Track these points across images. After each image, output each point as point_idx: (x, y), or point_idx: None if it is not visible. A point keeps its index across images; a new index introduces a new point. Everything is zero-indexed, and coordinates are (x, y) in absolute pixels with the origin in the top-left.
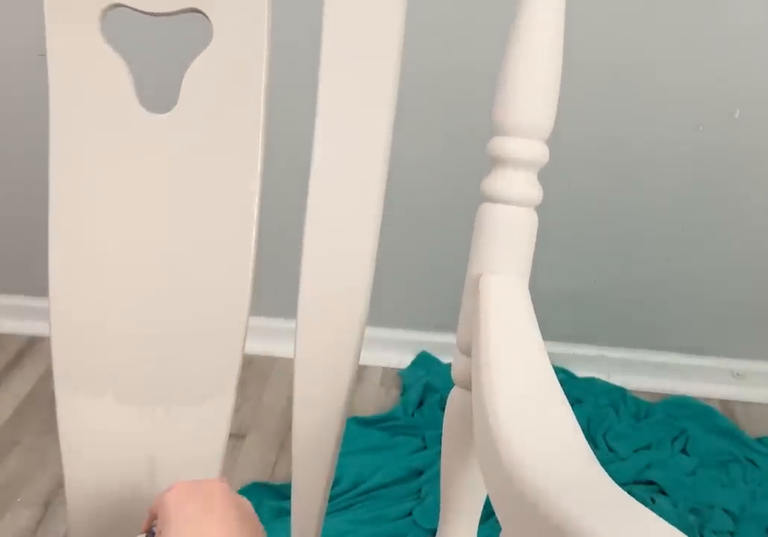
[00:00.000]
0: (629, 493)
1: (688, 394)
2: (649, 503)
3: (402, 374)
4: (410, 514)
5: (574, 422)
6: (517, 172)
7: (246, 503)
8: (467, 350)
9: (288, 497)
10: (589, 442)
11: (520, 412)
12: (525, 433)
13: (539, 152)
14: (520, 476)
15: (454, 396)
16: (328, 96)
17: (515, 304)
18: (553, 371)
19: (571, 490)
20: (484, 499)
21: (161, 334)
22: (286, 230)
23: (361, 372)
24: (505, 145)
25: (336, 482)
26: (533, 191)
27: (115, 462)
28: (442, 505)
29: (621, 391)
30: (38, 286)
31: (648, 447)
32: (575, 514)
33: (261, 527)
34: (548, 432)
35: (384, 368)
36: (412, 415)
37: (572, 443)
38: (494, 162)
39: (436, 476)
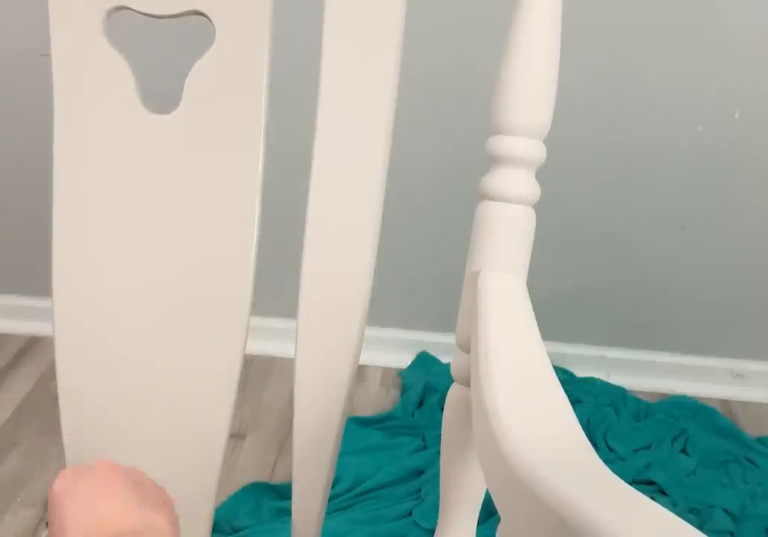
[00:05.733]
0: None
1: (688, 394)
2: None
3: (402, 374)
4: (410, 514)
5: (572, 415)
6: (516, 171)
7: (141, 473)
8: (466, 347)
9: (288, 497)
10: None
11: (519, 405)
12: (523, 424)
13: (537, 151)
14: (519, 465)
15: (454, 393)
16: (328, 96)
17: (514, 302)
18: (551, 366)
19: (568, 477)
20: (482, 498)
21: (162, 333)
22: (287, 230)
23: (361, 372)
24: (503, 144)
25: (336, 482)
26: (531, 190)
27: (117, 462)
28: (441, 505)
29: (621, 391)
30: (39, 286)
31: (648, 447)
32: (573, 500)
33: (164, 492)
34: (546, 423)
35: (384, 368)
36: (412, 415)
37: (570, 434)
38: (492, 161)
39: (436, 476)
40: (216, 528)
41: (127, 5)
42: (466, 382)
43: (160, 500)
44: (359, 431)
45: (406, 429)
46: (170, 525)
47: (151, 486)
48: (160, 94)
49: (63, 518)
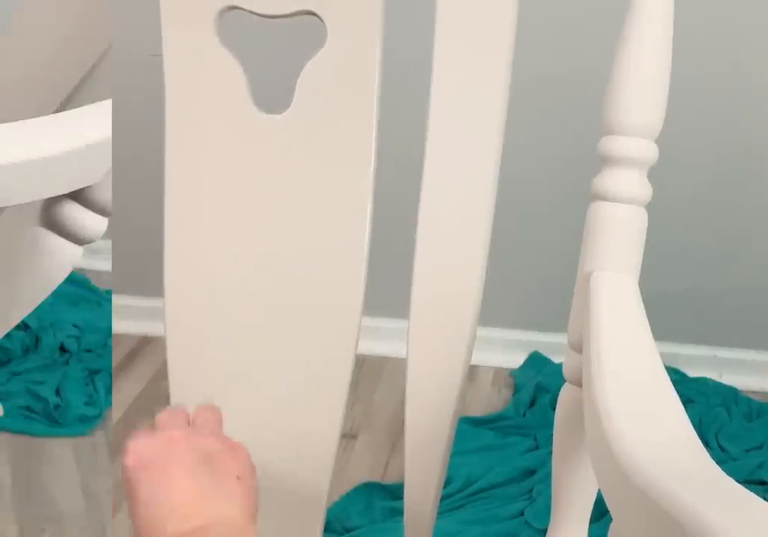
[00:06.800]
0: None
1: None
2: None
3: (514, 374)
4: (522, 514)
5: (684, 416)
6: (627, 171)
7: (213, 439)
8: (578, 347)
9: (400, 497)
10: None
11: (631, 407)
12: (636, 427)
13: (649, 151)
14: (631, 466)
15: (566, 393)
16: (440, 97)
17: (625, 302)
18: (663, 368)
19: (681, 480)
20: (594, 497)
21: (274, 333)
22: (398, 230)
23: (472, 372)
24: (615, 144)
25: (447, 482)
26: (643, 190)
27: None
28: (553, 505)
29: (733, 391)
30: (151, 287)
31: (760, 447)
32: (686, 503)
33: (241, 461)
34: (659, 426)
35: (495, 368)
36: (524, 415)
37: (682, 435)
38: (604, 161)
39: (548, 476)
40: (328, 528)
41: (239, 5)
42: (578, 383)
43: (234, 475)
44: (471, 431)
45: (517, 429)
46: (243, 514)
47: (226, 458)
48: (272, 94)
49: (135, 500)
